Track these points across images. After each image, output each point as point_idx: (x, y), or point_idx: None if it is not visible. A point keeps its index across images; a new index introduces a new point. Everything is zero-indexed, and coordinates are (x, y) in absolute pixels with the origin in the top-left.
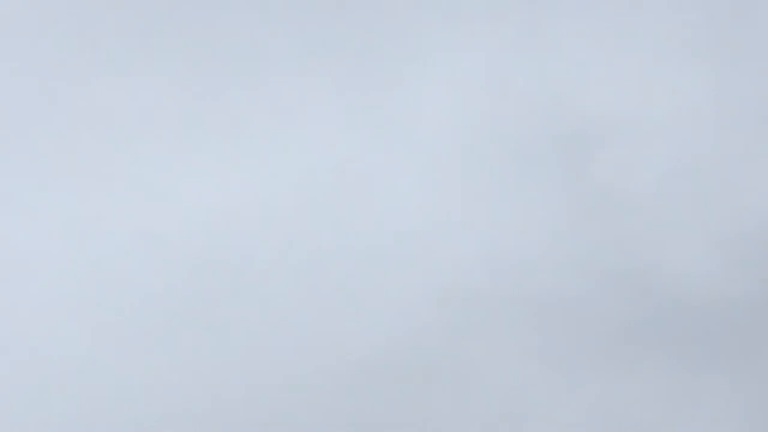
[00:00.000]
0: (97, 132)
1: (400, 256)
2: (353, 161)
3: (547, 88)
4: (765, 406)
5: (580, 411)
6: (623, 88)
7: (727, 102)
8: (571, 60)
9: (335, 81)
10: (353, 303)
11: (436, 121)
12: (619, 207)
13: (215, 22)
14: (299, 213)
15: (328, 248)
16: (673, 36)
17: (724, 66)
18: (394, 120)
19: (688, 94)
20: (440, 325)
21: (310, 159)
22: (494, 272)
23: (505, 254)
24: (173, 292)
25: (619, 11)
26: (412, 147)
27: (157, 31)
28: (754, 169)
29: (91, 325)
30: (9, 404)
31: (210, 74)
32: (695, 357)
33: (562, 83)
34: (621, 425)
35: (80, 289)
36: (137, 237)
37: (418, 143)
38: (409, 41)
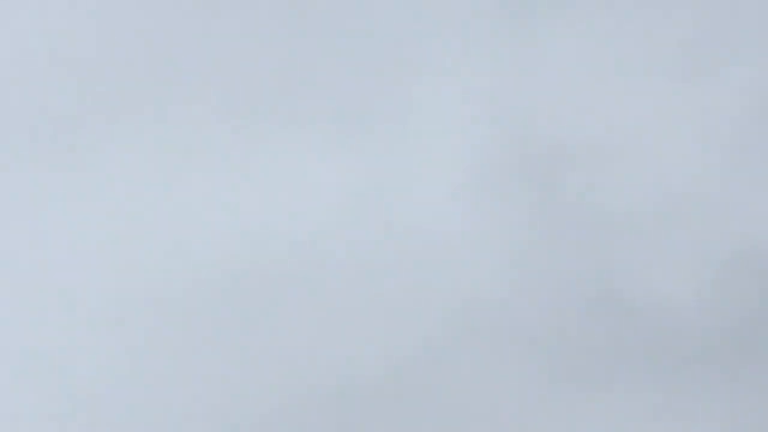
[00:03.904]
0: (129, 148)
1: (391, 276)
2: (350, 181)
3: (523, 110)
4: (751, 424)
5: (576, 428)
6: (600, 109)
7: (705, 122)
8: (547, 80)
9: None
10: (359, 319)
11: (420, 143)
12: (599, 229)
13: (250, 54)
14: (312, 231)
15: (335, 266)
16: (649, 57)
17: (700, 86)
18: (390, 143)
19: (666, 114)
20: (423, 346)
21: (324, 180)
22: (478, 291)
23: (487, 275)
24: (196, 305)
25: (594, 33)
26: (403, 168)
27: (193, 60)
28: (731, 189)
29: (116, 337)
30: (41, 417)
31: (238, 98)
32: (684, 378)
33: (538, 104)
34: None
35: (108, 302)
36: (161, 253)
37: (409, 164)
38: (391, 67)
